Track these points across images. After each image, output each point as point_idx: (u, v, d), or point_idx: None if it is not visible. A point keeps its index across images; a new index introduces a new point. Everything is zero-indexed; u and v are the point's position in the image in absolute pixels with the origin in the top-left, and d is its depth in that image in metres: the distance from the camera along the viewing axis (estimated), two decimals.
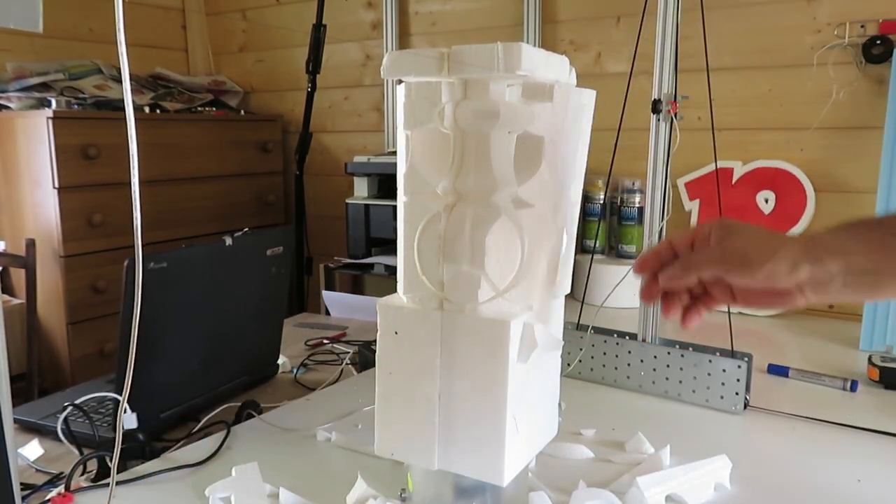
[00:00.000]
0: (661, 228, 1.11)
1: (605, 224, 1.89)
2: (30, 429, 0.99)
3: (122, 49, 0.51)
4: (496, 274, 0.66)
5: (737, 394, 1.02)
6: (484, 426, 0.67)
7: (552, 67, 0.67)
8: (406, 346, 0.69)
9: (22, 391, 1.73)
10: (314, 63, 2.20)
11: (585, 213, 1.84)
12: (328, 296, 1.85)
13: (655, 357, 1.09)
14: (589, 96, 0.70)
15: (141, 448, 0.87)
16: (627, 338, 1.12)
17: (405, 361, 0.69)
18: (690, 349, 1.06)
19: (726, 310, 1.18)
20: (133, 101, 0.56)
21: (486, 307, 0.66)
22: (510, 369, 0.65)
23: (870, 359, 1.17)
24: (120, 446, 0.64)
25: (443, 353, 0.68)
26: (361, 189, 2.05)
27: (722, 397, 1.03)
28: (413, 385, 0.69)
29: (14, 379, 0.55)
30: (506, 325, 0.65)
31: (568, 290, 0.76)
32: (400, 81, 0.70)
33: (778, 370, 1.19)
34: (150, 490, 0.80)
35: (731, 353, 1.03)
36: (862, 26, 1.58)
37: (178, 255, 0.98)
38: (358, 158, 2.06)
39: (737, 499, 0.79)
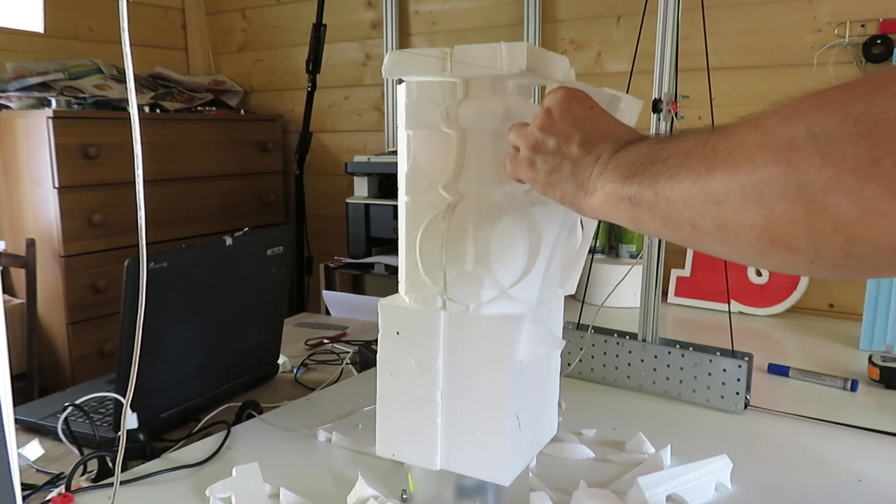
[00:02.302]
0: None
1: (604, 223, 1.89)
2: (30, 429, 0.98)
3: (127, 49, 0.51)
4: (499, 273, 0.66)
5: (737, 393, 1.02)
6: (487, 425, 0.67)
7: (553, 67, 0.68)
8: (408, 347, 0.69)
9: (22, 391, 1.73)
10: (314, 62, 2.20)
11: None
12: (328, 295, 1.85)
13: (656, 357, 1.09)
14: (634, 104, 0.70)
15: (141, 448, 0.87)
16: (628, 337, 1.12)
17: (407, 362, 0.69)
18: (691, 349, 1.06)
19: (726, 310, 1.18)
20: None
21: (489, 307, 0.66)
22: (514, 368, 0.65)
23: (870, 358, 1.17)
24: (124, 447, 0.64)
25: (445, 352, 0.68)
26: (361, 189, 2.05)
27: (722, 397, 1.03)
28: (415, 385, 0.69)
29: (14, 379, 0.55)
30: (510, 324, 0.65)
31: (573, 291, 0.76)
32: (400, 81, 0.69)
33: (778, 370, 1.19)
34: (150, 490, 0.80)
35: (732, 353, 1.03)
36: (862, 25, 1.58)
37: (178, 255, 0.98)
38: (358, 158, 2.06)
39: (737, 499, 0.79)
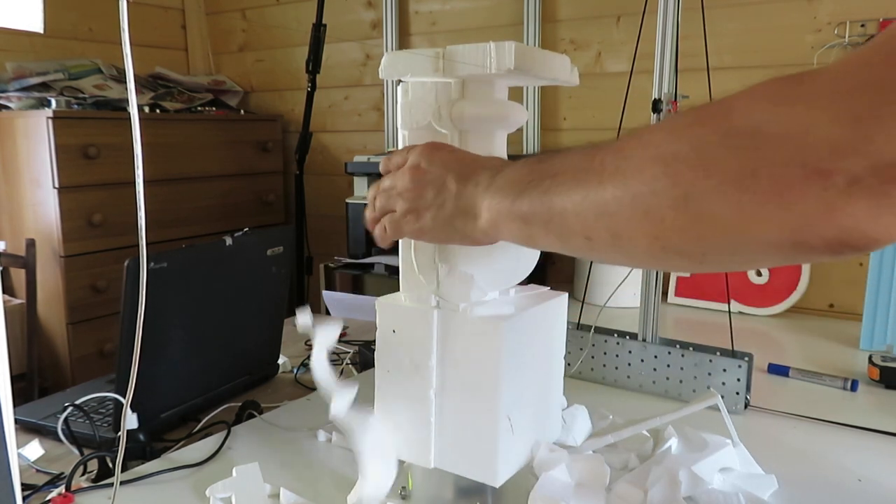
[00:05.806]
0: None
1: None
2: (30, 429, 0.98)
3: (127, 49, 0.51)
4: (490, 273, 0.66)
5: (737, 393, 1.02)
6: (478, 426, 0.67)
7: (547, 66, 0.67)
8: (403, 345, 0.69)
9: (22, 391, 1.73)
10: (314, 63, 2.20)
11: None
12: (328, 296, 1.85)
13: (656, 357, 1.09)
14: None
15: (141, 448, 0.87)
16: (628, 337, 1.12)
17: (402, 359, 0.69)
18: (691, 349, 1.06)
19: (726, 309, 1.18)
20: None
21: (479, 306, 0.66)
22: (504, 369, 0.65)
23: (870, 358, 1.17)
24: (124, 447, 0.64)
25: (438, 351, 0.68)
26: (361, 189, 2.05)
27: (722, 397, 1.03)
28: (409, 383, 0.69)
29: (14, 379, 0.55)
30: (500, 324, 0.64)
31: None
32: (399, 81, 0.70)
33: (778, 370, 1.19)
34: (150, 490, 0.80)
35: (732, 353, 1.03)
36: (862, 25, 1.58)
37: (178, 255, 0.98)
38: (358, 158, 2.06)
39: None
